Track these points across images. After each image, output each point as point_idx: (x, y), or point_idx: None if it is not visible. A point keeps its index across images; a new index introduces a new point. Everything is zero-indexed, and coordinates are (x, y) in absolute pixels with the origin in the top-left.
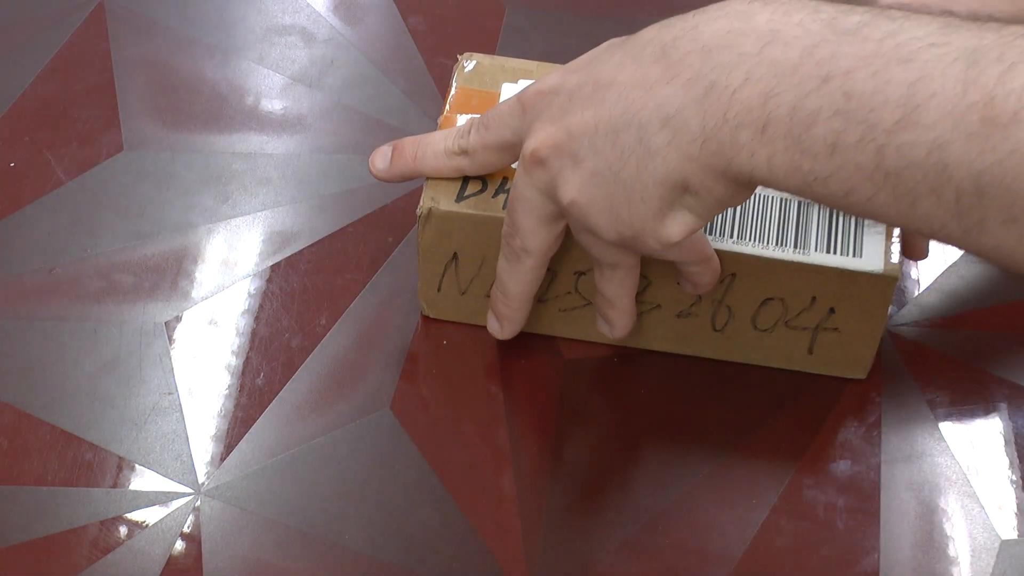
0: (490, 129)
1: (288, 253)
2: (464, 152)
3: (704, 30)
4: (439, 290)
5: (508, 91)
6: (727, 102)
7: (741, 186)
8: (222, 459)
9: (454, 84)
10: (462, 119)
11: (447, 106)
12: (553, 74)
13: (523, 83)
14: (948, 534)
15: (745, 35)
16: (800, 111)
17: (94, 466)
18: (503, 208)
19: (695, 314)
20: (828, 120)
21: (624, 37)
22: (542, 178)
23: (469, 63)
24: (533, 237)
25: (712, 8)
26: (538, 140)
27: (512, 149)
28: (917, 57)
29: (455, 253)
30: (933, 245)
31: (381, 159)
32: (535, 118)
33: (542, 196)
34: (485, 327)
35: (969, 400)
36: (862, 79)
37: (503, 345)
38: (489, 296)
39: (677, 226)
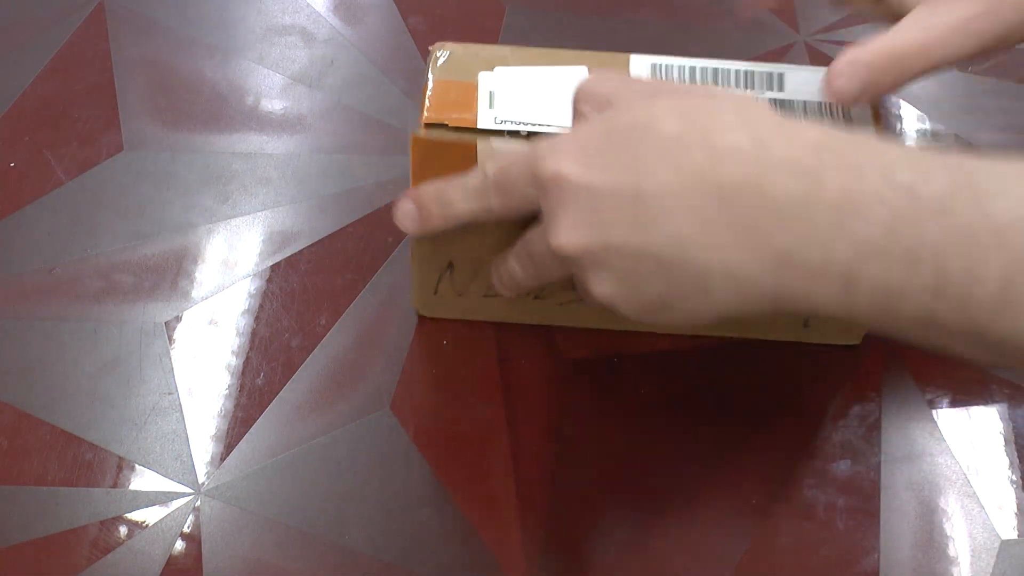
0: (510, 196)
1: (288, 253)
2: (490, 211)
3: (770, 182)
4: (435, 294)
5: (485, 80)
6: (804, 275)
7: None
8: (222, 459)
9: (430, 77)
10: (447, 115)
11: (426, 102)
12: (567, 150)
13: (499, 71)
14: (948, 534)
15: (818, 204)
16: (889, 290)
17: (94, 466)
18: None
19: None
20: (919, 297)
21: (643, 107)
22: (569, 267)
23: (442, 54)
24: (547, 276)
25: (774, 152)
26: (567, 240)
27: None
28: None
29: (450, 262)
30: None
31: (411, 222)
32: (557, 207)
33: (564, 268)
34: (484, 326)
35: (969, 400)
36: (954, 258)
37: (503, 345)
38: (486, 295)
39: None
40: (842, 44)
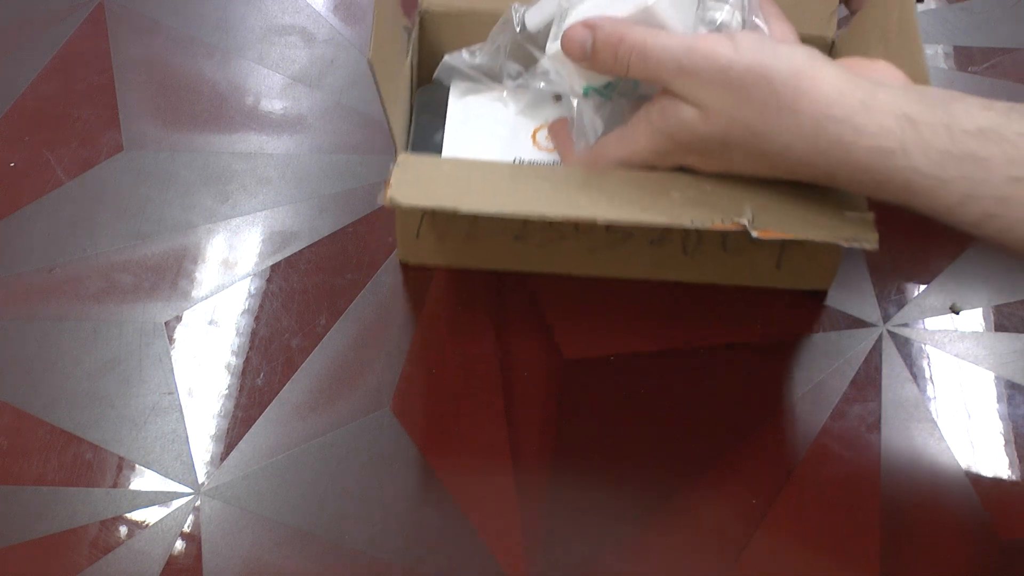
0: (648, 63)
1: (288, 253)
2: (621, 65)
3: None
4: (417, 237)
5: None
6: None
7: None
8: (222, 459)
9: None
10: None
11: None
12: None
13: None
14: (948, 534)
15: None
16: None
17: (94, 466)
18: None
19: (667, 240)
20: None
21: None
22: (678, 85)
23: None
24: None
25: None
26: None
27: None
28: None
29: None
30: (931, 245)
31: (580, 48)
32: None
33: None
34: (484, 325)
35: (969, 400)
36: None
37: (503, 345)
38: (468, 237)
39: None
40: None
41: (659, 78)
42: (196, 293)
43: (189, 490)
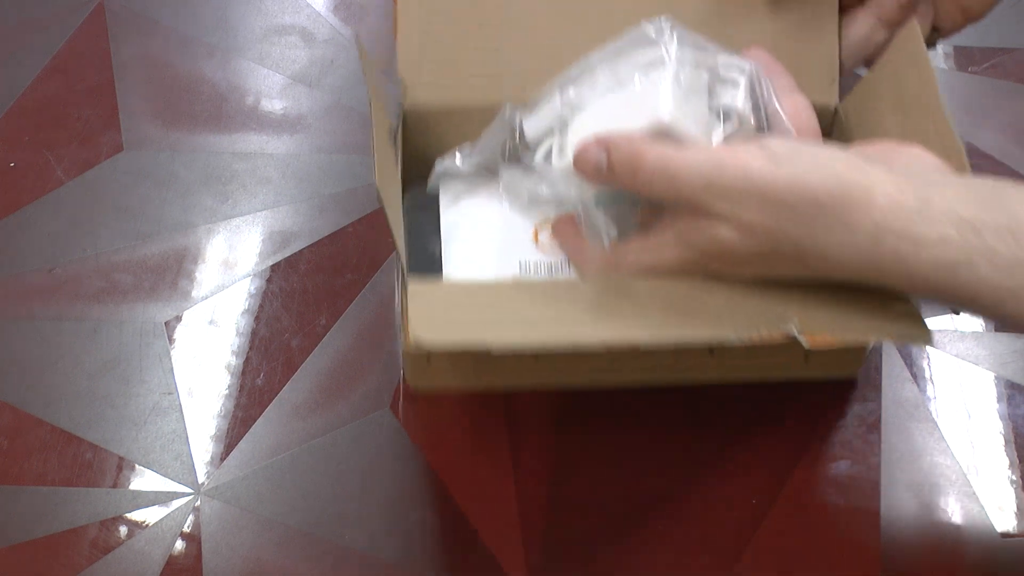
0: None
1: (288, 253)
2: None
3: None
4: (429, 362)
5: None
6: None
7: None
8: (222, 459)
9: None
10: None
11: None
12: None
13: None
14: (948, 534)
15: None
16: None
17: (94, 466)
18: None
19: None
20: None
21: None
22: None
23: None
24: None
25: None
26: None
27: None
28: None
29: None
30: None
31: (595, 167)
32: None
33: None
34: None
35: (969, 400)
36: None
37: None
38: (483, 359)
39: None
40: None
41: (689, 198)
42: (196, 293)
43: (189, 490)
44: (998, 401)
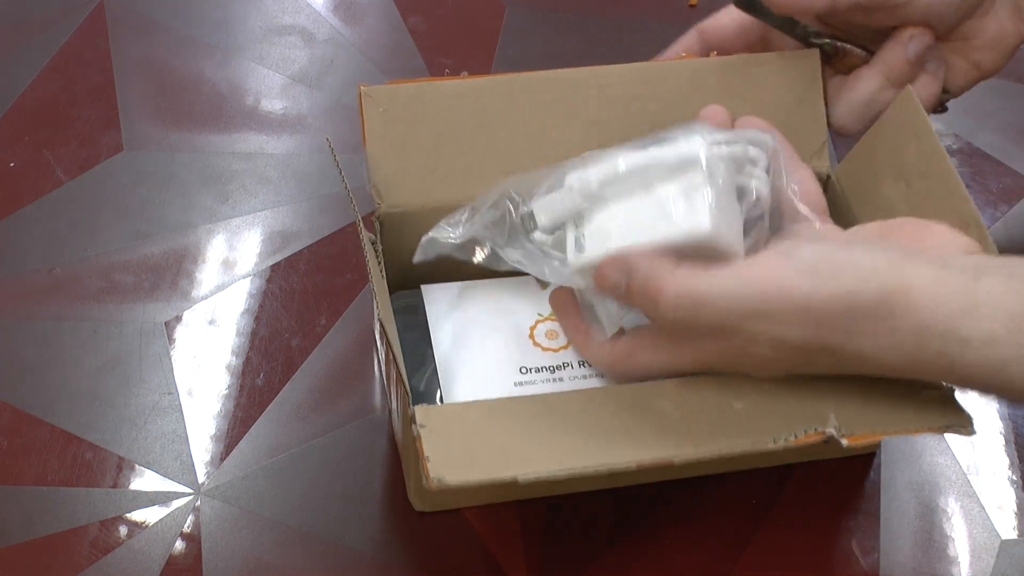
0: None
1: (288, 253)
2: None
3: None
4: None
5: None
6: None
7: None
8: (222, 459)
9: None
10: None
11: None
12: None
13: None
14: (948, 534)
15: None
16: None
17: (94, 466)
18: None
19: None
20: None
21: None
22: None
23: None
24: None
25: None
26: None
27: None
28: None
29: None
30: None
31: (614, 288)
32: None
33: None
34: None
35: (969, 400)
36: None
37: None
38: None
39: None
40: None
41: (720, 325)
42: (196, 293)
43: (189, 490)
44: (998, 401)
